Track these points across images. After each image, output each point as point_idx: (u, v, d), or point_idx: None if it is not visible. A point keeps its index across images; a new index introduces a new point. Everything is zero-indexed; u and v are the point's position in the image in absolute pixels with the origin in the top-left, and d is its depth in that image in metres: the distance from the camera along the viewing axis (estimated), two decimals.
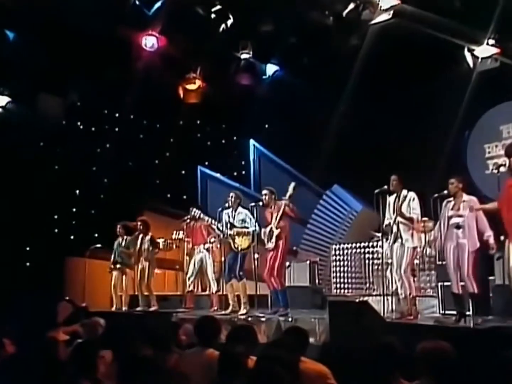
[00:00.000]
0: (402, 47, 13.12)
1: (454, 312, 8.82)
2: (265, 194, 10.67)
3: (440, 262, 9.99)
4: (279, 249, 10.46)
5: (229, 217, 11.16)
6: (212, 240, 12.35)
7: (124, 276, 13.10)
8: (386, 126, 14.40)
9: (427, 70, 13.60)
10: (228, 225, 11.11)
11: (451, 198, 8.76)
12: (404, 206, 9.17)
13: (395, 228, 9.21)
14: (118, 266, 13.07)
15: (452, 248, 8.64)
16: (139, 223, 13.01)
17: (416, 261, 10.22)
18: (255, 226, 10.83)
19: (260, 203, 10.77)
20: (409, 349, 4.82)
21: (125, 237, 13.26)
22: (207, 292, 12.94)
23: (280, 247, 10.46)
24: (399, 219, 9.15)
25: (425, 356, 4.55)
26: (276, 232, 10.43)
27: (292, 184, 10.62)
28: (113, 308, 12.77)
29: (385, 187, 9.36)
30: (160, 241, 13.62)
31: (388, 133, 14.56)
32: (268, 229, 10.59)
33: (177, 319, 10.42)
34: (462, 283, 8.62)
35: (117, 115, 16.44)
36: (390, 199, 9.42)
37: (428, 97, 14.03)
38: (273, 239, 10.44)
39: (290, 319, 9.94)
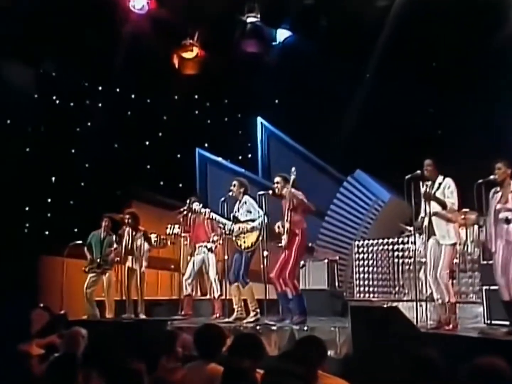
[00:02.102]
0: (439, 7, 13.01)
1: (505, 322, 8.71)
2: (277, 182, 10.59)
3: (485, 262, 9.89)
4: (292, 247, 10.40)
5: (233, 209, 11.14)
6: (216, 238, 12.31)
7: (104, 279, 13.00)
8: (418, 101, 14.32)
9: (469, 34, 13.47)
10: (232, 218, 11.07)
11: (498, 188, 8.66)
12: (439, 193, 9.06)
13: (428, 221, 9.09)
14: (102, 268, 12.99)
15: (502, 247, 8.53)
16: (127, 216, 12.93)
17: (455, 261, 10.11)
18: (263, 218, 10.76)
19: (270, 192, 10.71)
20: (448, 366, 4.75)
21: (110, 232, 13.18)
22: (208, 297, 12.92)
23: (294, 245, 10.40)
24: (433, 208, 9.03)
25: (477, 376, 4.43)
26: (287, 226, 10.38)
27: (293, 169, 10.51)
28: (85, 316, 12.70)
29: (418, 172, 9.26)
30: (152, 236, 13.55)
31: (421, 109, 14.47)
32: (279, 223, 10.55)
33: (173, 328, 10.38)
34: None
35: (100, 88, 16.38)
36: (424, 188, 9.32)
37: (470, 65, 13.87)
38: (285, 236, 10.39)
39: (305, 328, 9.89)
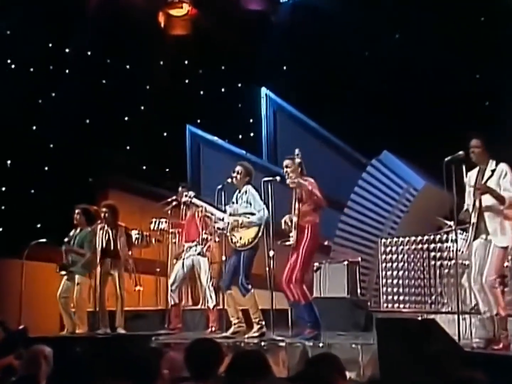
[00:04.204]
0: None
1: None
2: (287, 166, 10.53)
3: None
4: (300, 246, 10.35)
5: (234, 201, 11.11)
6: (205, 236, 12.26)
7: (76, 285, 12.90)
8: (461, 65, 14.25)
9: None
10: (229, 212, 11.04)
11: None
12: (492, 183, 8.93)
13: (476, 217, 9.00)
14: (65, 271, 12.87)
15: None
16: (103, 209, 12.83)
17: (506, 264, 10.04)
18: (265, 213, 10.71)
19: (278, 178, 10.66)
20: None
21: (79, 228, 13.06)
22: (200, 306, 12.89)
23: (301, 243, 10.35)
24: (486, 202, 8.92)
25: None
26: (295, 221, 10.34)
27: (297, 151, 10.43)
28: (64, 332, 12.68)
29: (461, 153, 9.16)
30: (133, 233, 13.51)
31: (464, 75, 14.42)
32: (286, 217, 10.50)
33: (159, 344, 10.39)
34: None
35: (67, 50, 16.31)
36: (471, 174, 9.22)
37: None
38: (293, 233, 10.35)
39: (321, 345, 9.86)
